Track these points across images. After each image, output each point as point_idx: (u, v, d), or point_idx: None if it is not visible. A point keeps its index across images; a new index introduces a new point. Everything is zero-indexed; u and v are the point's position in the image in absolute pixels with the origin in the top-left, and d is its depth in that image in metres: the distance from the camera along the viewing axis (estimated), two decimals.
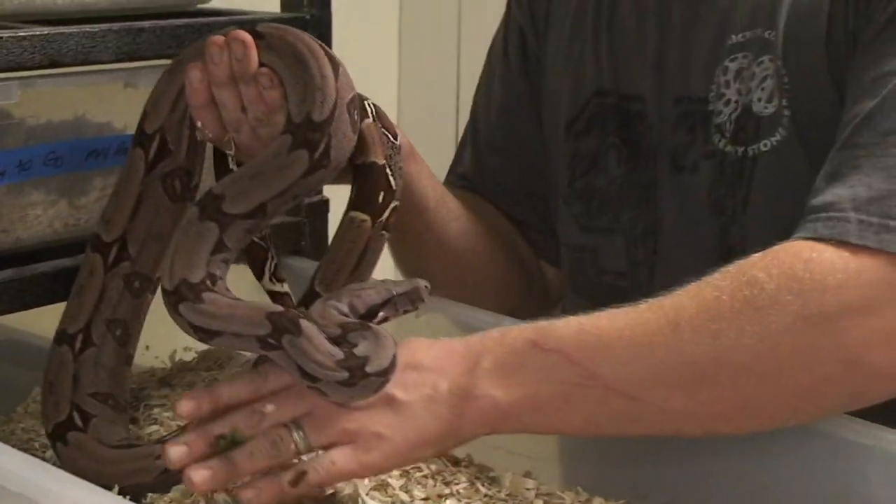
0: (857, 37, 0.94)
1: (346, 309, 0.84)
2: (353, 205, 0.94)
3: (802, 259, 0.82)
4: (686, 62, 1.06)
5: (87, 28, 1.03)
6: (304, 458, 0.82)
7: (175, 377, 1.11)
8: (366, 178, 0.94)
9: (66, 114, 1.07)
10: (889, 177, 0.85)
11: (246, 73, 0.89)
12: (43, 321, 1.08)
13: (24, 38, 0.98)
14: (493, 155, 1.23)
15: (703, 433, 0.87)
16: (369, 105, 0.96)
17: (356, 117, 0.90)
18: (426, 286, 0.86)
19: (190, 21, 1.10)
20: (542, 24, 1.20)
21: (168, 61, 1.01)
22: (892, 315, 0.81)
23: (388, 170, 0.94)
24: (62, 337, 0.96)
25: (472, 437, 0.85)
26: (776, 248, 0.84)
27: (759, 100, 1.00)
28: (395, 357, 0.80)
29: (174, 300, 0.83)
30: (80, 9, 1.13)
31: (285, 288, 0.99)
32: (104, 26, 1.04)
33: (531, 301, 1.23)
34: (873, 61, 0.91)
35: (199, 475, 0.80)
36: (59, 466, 0.90)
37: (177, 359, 1.15)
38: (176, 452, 0.81)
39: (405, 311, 0.86)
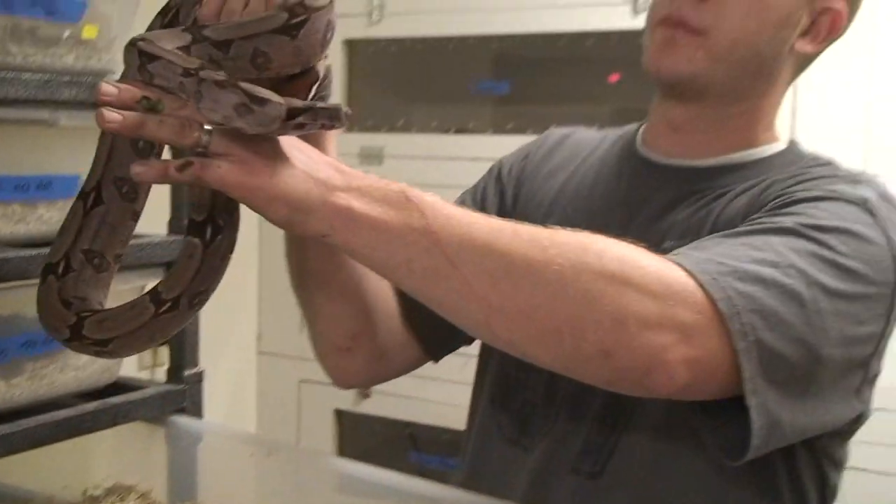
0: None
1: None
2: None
3: (638, 249, 0.96)
4: None
5: (22, 253, 1.26)
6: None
7: None
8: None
9: (5, 310, 1.31)
10: (733, 260, 1.00)
11: None
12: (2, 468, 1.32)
13: None
14: None
15: (479, 323, 0.95)
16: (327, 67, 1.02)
17: (330, 37, 0.97)
18: (348, 112, 0.90)
19: None
20: (526, 199, 1.35)
21: None
22: (662, 309, 0.94)
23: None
24: (81, 193, 1.00)
25: (312, 230, 0.92)
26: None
27: None
28: (288, 111, 0.86)
29: (133, 42, 0.90)
30: (17, 238, 1.34)
31: None
32: (34, 251, 1.27)
33: (363, 343, 1.29)
34: (748, 223, 1.08)
35: (112, 115, 0.86)
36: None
37: (87, 493, 1.36)
38: (107, 88, 0.87)
39: (322, 126, 0.89)
